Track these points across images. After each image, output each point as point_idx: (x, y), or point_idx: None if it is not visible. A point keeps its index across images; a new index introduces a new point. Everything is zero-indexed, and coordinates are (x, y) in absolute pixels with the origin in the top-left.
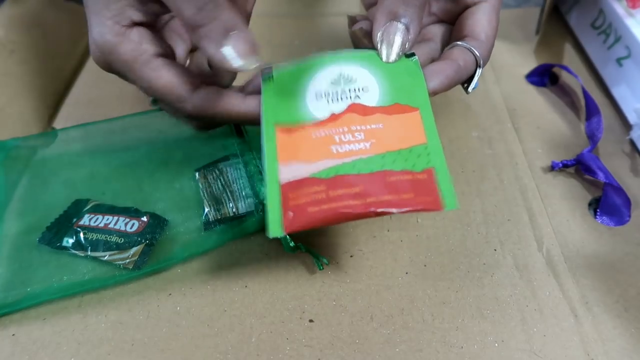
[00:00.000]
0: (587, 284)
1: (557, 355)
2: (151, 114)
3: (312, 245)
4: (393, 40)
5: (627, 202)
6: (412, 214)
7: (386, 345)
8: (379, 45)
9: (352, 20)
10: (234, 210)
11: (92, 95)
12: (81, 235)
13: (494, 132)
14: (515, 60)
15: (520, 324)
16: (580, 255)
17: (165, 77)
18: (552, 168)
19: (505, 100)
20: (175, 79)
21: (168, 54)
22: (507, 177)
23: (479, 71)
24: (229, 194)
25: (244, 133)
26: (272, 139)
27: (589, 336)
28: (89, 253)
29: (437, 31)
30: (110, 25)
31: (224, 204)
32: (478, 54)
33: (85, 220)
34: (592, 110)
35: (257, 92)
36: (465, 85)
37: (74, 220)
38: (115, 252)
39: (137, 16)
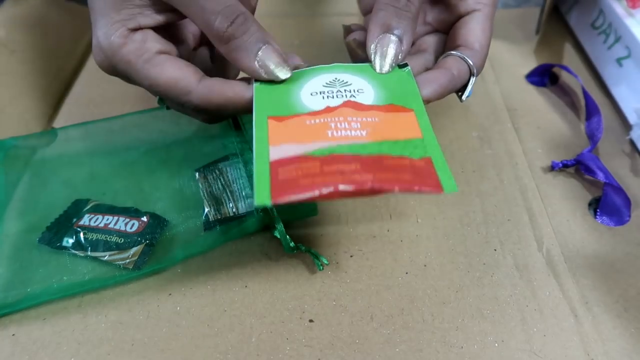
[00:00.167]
0: (587, 284)
1: (557, 355)
2: (151, 112)
3: (312, 245)
4: (386, 53)
5: (627, 202)
6: (411, 215)
7: (386, 345)
8: (372, 57)
9: (347, 30)
10: (234, 210)
11: (92, 95)
12: (81, 235)
13: (494, 132)
14: (515, 60)
15: (520, 324)
16: (580, 255)
17: (168, 71)
18: (552, 168)
19: (505, 100)
20: (179, 72)
21: (171, 51)
22: (507, 177)
23: (472, 80)
24: (229, 194)
25: (242, 127)
26: (264, 127)
27: (589, 336)
28: (89, 253)
29: (431, 41)
30: (117, 28)
31: (224, 204)
32: (472, 63)
33: (85, 220)
34: (592, 110)
35: None
36: (460, 93)
37: (74, 220)
38: (115, 252)
39: (147, 22)
